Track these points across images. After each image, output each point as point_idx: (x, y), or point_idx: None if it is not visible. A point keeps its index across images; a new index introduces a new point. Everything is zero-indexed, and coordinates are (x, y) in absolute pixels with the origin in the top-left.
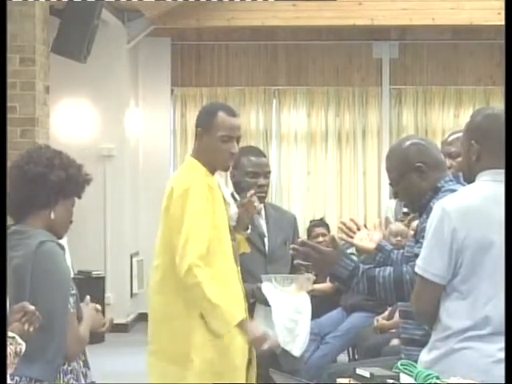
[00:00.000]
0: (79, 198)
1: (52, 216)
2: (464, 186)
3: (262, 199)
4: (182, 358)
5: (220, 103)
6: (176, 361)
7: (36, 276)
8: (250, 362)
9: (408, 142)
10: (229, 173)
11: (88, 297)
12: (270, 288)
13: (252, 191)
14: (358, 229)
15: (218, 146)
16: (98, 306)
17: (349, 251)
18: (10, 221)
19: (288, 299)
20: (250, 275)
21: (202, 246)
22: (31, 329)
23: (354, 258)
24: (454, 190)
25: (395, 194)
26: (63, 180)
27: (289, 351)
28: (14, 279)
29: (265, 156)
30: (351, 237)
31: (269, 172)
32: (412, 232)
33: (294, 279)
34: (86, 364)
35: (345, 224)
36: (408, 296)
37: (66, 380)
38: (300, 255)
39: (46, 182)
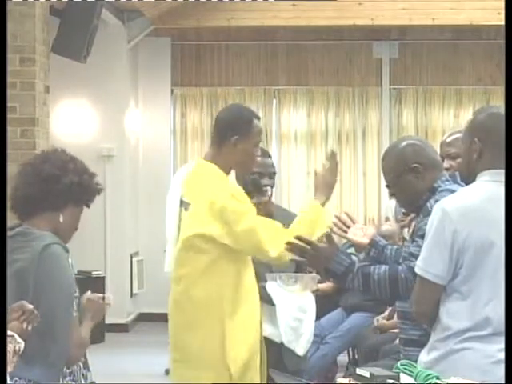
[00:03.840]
0: (88, 206)
1: (61, 219)
2: (461, 185)
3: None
4: (217, 362)
5: (247, 108)
6: (209, 366)
7: (39, 279)
8: (261, 359)
9: (403, 143)
10: (233, 173)
11: (88, 292)
12: (274, 287)
13: (269, 189)
14: (353, 223)
15: (253, 153)
16: (100, 295)
17: (349, 251)
18: (10, 221)
19: (292, 298)
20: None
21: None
22: (29, 327)
23: (354, 258)
24: (451, 190)
25: (392, 196)
26: (75, 185)
27: (292, 350)
28: (17, 282)
29: (270, 156)
30: (345, 231)
31: (274, 173)
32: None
33: (298, 278)
34: (86, 366)
35: (339, 218)
36: (403, 294)
37: (64, 382)
38: (295, 251)
39: (58, 185)
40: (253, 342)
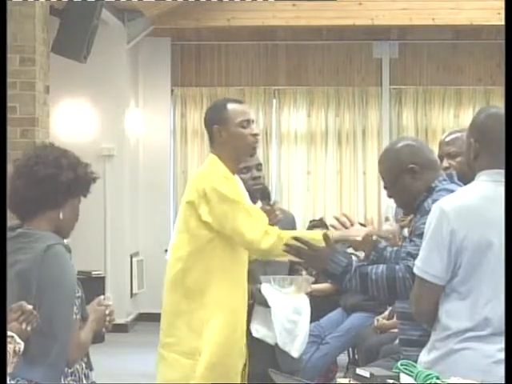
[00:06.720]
0: (85, 196)
1: (61, 216)
2: (458, 184)
3: (258, 191)
4: (195, 351)
5: (225, 98)
6: (189, 354)
7: (42, 280)
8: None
9: (399, 144)
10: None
11: (102, 297)
12: (269, 289)
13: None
14: (352, 224)
15: (239, 133)
16: (106, 304)
17: (348, 251)
18: (10, 221)
19: (287, 300)
20: (249, 276)
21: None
22: (29, 328)
23: (354, 257)
24: (448, 189)
25: (389, 197)
26: (72, 180)
27: (287, 352)
28: (19, 282)
29: None
30: None
31: (260, 164)
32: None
33: (293, 280)
34: (88, 365)
35: (338, 219)
36: (400, 293)
37: (66, 382)
38: (293, 251)
39: (55, 183)
40: (232, 342)
